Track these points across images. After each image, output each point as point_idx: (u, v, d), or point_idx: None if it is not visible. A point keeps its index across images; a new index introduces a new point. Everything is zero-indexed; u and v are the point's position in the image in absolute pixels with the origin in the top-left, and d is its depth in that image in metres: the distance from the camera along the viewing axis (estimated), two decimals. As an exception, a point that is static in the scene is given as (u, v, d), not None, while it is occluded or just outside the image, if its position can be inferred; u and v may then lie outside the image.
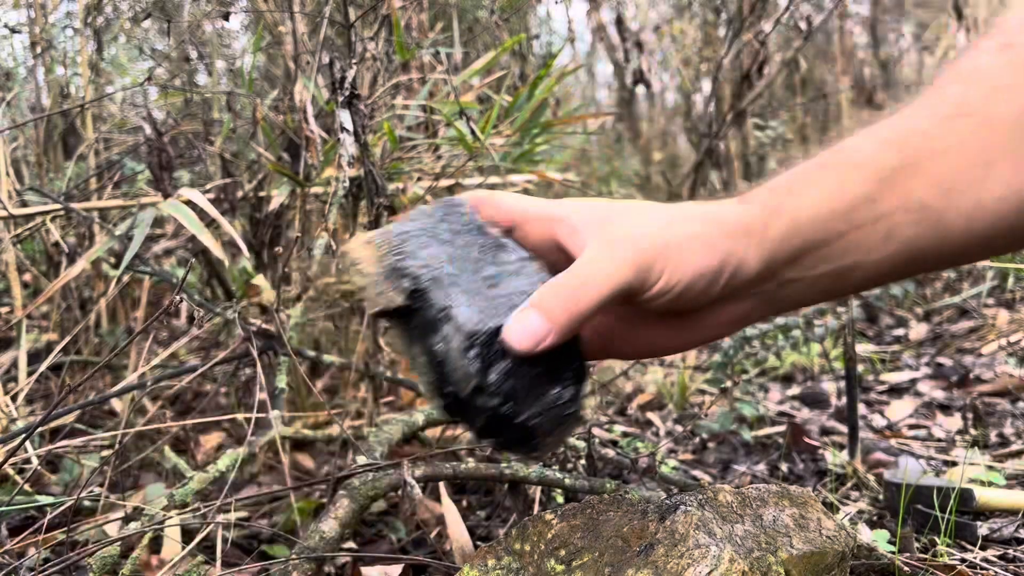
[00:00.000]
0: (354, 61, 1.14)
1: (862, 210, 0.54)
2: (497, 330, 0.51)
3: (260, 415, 0.99)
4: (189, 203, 1.21)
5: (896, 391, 1.69)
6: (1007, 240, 0.55)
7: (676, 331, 0.60)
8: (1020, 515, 0.95)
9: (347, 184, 1.20)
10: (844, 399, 1.50)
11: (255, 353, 1.03)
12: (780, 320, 1.65)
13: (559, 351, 0.52)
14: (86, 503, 0.98)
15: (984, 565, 0.82)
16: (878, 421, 1.49)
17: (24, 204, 1.44)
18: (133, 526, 0.78)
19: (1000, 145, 0.53)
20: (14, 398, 1.21)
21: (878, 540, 0.87)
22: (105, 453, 1.21)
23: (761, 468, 1.28)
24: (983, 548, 0.88)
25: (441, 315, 0.51)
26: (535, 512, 0.96)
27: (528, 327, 0.52)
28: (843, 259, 0.55)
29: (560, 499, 1.01)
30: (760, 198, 0.57)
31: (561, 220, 0.57)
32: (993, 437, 1.32)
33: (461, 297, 0.52)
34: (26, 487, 0.99)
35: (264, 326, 1.12)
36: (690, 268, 0.54)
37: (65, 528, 0.81)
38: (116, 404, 1.51)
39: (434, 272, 0.53)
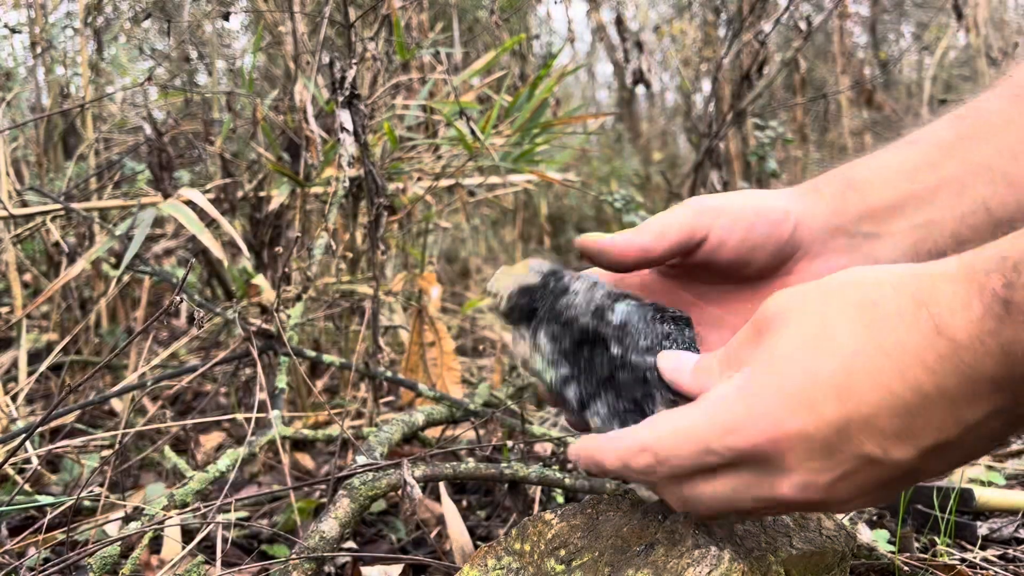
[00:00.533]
0: (354, 61, 1.14)
1: (924, 172, 0.59)
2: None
3: (260, 415, 0.99)
4: (189, 203, 1.21)
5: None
6: None
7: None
8: (1020, 515, 0.95)
9: (347, 184, 1.20)
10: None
11: (255, 353, 1.03)
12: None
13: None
14: (86, 503, 0.98)
15: (984, 565, 0.82)
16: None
17: (24, 204, 1.44)
18: (133, 526, 0.78)
19: None
20: (14, 398, 1.21)
21: (878, 540, 0.87)
22: (105, 453, 1.21)
23: (761, 468, 1.27)
24: (983, 548, 0.88)
25: (575, 279, 0.59)
26: (535, 512, 0.96)
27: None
28: (919, 215, 0.59)
29: (560, 499, 1.01)
30: (809, 180, 0.63)
31: None
32: (993, 437, 1.31)
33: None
34: (26, 487, 0.99)
35: (264, 326, 1.12)
36: (750, 206, 0.59)
37: (65, 528, 0.81)
38: (116, 404, 1.51)
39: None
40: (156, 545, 0.93)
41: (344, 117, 1.13)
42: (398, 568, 0.88)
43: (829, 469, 0.45)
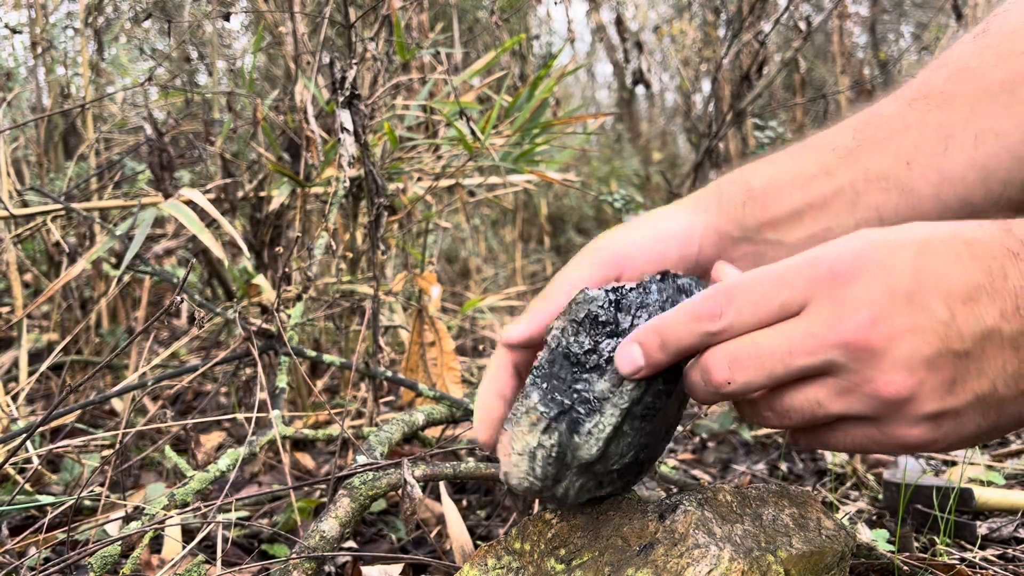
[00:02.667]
0: (354, 61, 1.14)
1: (820, 180, 0.60)
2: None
3: (260, 415, 0.99)
4: (190, 203, 1.21)
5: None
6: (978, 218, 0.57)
7: None
8: (1020, 515, 0.95)
9: (347, 184, 1.20)
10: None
11: (255, 353, 1.03)
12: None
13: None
14: (86, 503, 0.98)
15: (983, 565, 0.82)
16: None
17: (25, 204, 1.45)
18: (133, 525, 0.78)
19: (960, 121, 0.57)
20: (14, 398, 1.21)
21: (878, 540, 0.87)
22: (105, 453, 1.21)
23: (761, 467, 1.28)
24: (982, 548, 0.88)
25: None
26: (535, 511, 0.96)
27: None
28: (817, 224, 0.60)
29: (560, 499, 1.01)
30: (713, 182, 0.65)
31: None
32: (993, 437, 1.31)
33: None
34: (27, 487, 0.99)
35: (264, 326, 1.12)
36: (653, 236, 0.62)
37: (65, 528, 0.81)
38: (116, 404, 1.51)
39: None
40: (156, 545, 0.93)
41: (344, 117, 1.13)
42: (398, 568, 0.88)
43: (904, 312, 0.45)
